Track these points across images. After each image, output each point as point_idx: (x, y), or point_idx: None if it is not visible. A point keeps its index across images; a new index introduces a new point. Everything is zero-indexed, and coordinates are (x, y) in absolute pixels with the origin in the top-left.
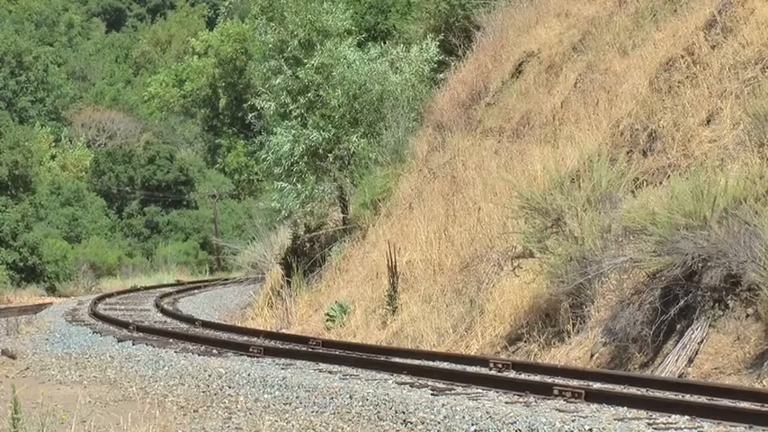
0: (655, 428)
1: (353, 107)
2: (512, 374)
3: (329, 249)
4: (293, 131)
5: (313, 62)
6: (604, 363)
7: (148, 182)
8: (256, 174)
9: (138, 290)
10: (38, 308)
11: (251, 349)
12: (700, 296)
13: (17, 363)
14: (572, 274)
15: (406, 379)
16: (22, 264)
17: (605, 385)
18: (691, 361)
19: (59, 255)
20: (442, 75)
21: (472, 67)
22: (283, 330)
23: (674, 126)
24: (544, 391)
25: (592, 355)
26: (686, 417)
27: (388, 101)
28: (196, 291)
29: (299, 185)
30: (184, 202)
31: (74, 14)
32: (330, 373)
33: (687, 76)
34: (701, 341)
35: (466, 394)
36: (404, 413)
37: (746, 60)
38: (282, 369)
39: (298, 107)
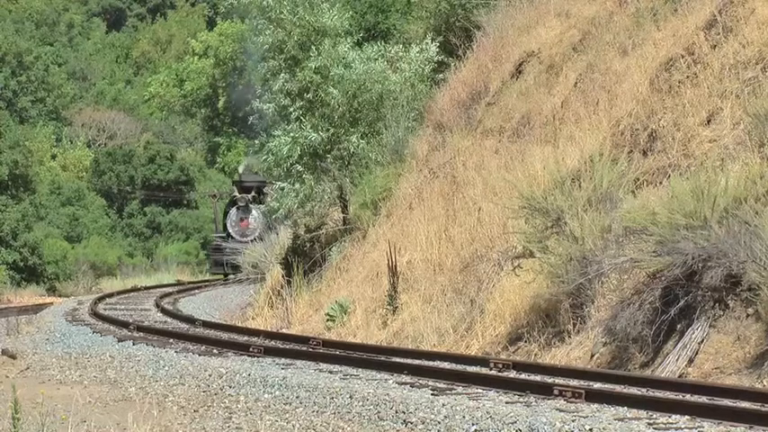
0: (655, 428)
1: (353, 107)
2: (512, 374)
3: (329, 249)
4: (292, 134)
5: (311, 64)
6: (604, 363)
7: (149, 182)
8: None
9: (139, 290)
10: (38, 308)
11: (251, 349)
12: (700, 296)
13: (17, 363)
14: (572, 274)
15: (407, 379)
16: (22, 264)
17: (605, 385)
18: (691, 361)
19: (59, 255)
20: (442, 75)
21: (472, 67)
22: (284, 330)
23: (674, 126)
24: (544, 391)
25: (592, 355)
26: (686, 417)
27: (388, 100)
28: (196, 291)
29: (297, 185)
30: (185, 202)
31: (74, 14)
32: (330, 372)
33: (687, 76)
34: (702, 341)
35: (466, 394)
36: (404, 413)
37: (747, 60)
38: (283, 369)
39: (296, 109)
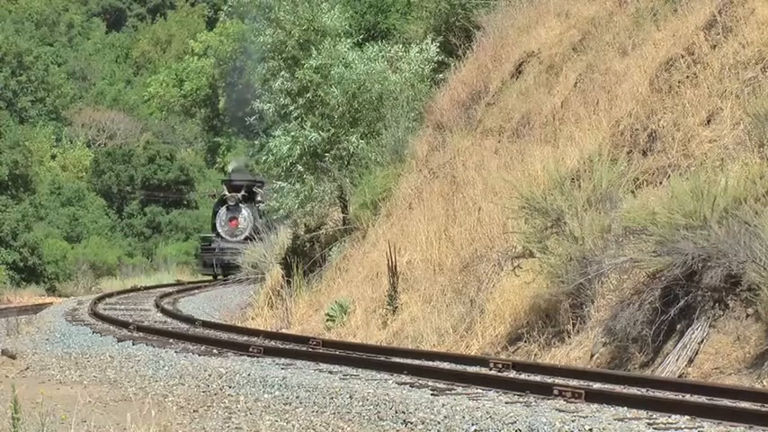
0: (655, 428)
1: (352, 106)
2: (512, 374)
3: (329, 249)
4: (292, 133)
5: (312, 62)
6: (604, 363)
7: (149, 182)
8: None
9: (138, 290)
10: (38, 308)
11: (251, 349)
12: (700, 296)
13: (17, 363)
14: (572, 274)
15: (407, 379)
16: (22, 264)
17: (605, 385)
18: (691, 361)
19: (59, 255)
20: (442, 75)
21: (472, 67)
22: (283, 330)
23: (674, 126)
24: (544, 391)
25: (592, 355)
26: (686, 417)
27: (388, 100)
28: (196, 291)
29: (297, 185)
30: (185, 202)
31: (74, 14)
32: (330, 372)
33: (687, 76)
34: (701, 341)
35: (466, 394)
36: (404, 413)
37: (747, 60)
38: (282, 369)
39: (296, 108)
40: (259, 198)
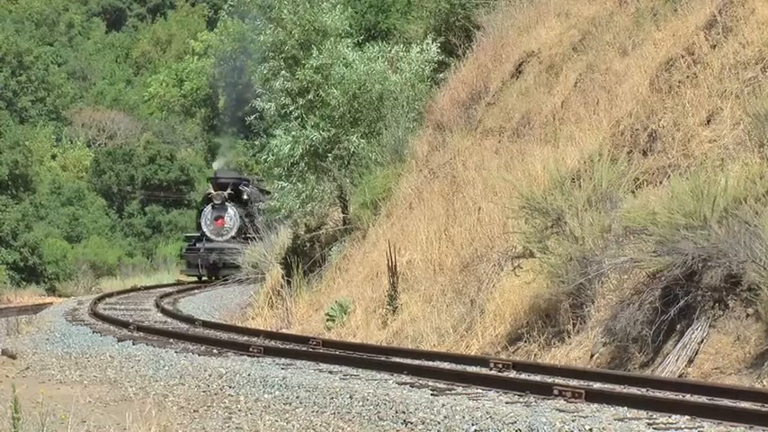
0: (655, 428)
1: (353, 106)
2: (512, 374)
3: (329, 249)
4: (293, 133)
5: (312, 62)
6: (604, 363)
7: (149, 181)
8: (257, 174)
9: (138, 290)
10: (38, 308)
11: (251, 349)
12: (700, 296)
13: (17, 362)
14: (572, 274)
15: (407, 379)
16: (22, 264)
17: (605, 385)
18: (691, 361)
19: (59, 255)
20: (442, 75)
21: (472, 67)
22: (283, 330)
23: (674, 126)
24: (544, 391)
25: (592, 355)
26: (686, 417)
27: (388, 100)
28: (196, 290)
29: (299, 185)
30: (185, 202)
31: (74, 14)
32: (330, 372)
33: (687, 76)
34: (702, 341)
35: (466, 394)
36: (404, 413)
37: (747, 60)
38: (283, 369)
39: (297, 108)
40: (245, 197)
